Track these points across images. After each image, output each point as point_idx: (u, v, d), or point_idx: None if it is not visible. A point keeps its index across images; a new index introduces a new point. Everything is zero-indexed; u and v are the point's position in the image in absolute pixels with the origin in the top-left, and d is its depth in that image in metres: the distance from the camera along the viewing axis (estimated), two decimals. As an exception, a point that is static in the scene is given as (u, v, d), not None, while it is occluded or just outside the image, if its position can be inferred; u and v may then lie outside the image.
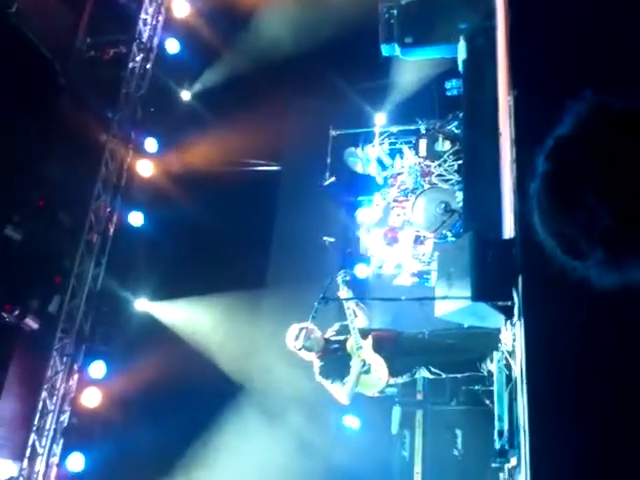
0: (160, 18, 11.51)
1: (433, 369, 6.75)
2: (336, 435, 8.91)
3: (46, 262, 9.94)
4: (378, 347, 6.76)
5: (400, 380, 6.98)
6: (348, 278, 6.87)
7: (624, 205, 1.21)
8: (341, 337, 6.81)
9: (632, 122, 1.25)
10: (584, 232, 1.27)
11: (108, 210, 10.48)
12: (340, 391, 6.55)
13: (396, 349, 6.85)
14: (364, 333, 6.80)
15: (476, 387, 7.50)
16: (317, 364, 6.69)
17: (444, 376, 6.89)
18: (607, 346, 4.34)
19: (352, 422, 8.62)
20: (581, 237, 1.28)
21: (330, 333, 6.90)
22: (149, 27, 11.31)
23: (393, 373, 6.76)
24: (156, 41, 11.41)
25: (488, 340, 6.04)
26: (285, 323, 6.86)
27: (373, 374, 6.68)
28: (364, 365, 6.61)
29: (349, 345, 6.70)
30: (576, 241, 1.29)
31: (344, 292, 6.83)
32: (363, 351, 6.65)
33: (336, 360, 6.69)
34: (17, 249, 9.45)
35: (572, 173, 1.27)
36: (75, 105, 9.89)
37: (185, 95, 11.87)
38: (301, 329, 6.56)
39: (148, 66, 11.20)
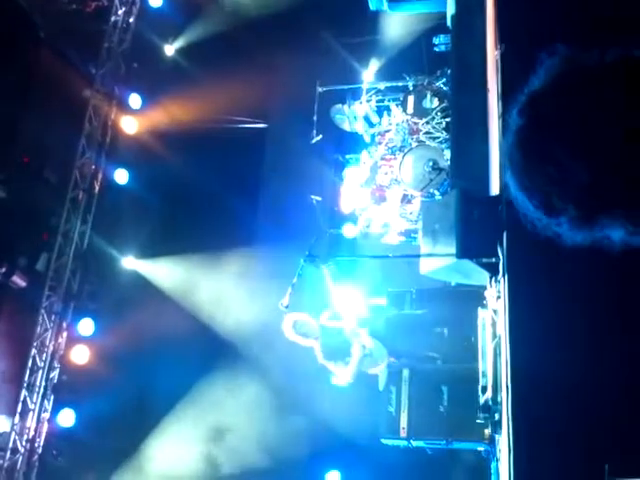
0: (142, -30, 11.21)
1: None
2: (323, 392, 8.99)
3: (32, 219, 9.86)
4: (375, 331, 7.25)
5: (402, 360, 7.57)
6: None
7: (597, 161, 1.18)
8: (338, 323, 7.13)
9: (605, 76, 1.21)
10: (557, 188, 1.24)
11: (93, 167, 10.35)
12: (344, 371, 6.92)
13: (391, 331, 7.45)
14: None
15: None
16: (318, 348, 7.01)
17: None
18: (592, 303, 4.36)
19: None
20: (554, 193, 1.25)
21: (325, 319, 7.17)
22: (131, -21, 11.03)
23: (393, 354, 7.32)
24: (138, -7, 11.13)
25: None
26: (273, 280, 6.89)
27: (374, 357, 7.12)
28: (364, 349, 6.99)
29: (347, 332, 7.05)
30: (549, 197, 1.26)
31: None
32: (361, 337, 7.01)
33: (337, 345, 7.05)
34: (3, 206, 9.36)
35: (545, 128, 1.24)
36: (56, 59, 9.67)
37: (169, 50, 11.62)
38: (295, 321, 6.84)
39: (131, 20, 10.95)
